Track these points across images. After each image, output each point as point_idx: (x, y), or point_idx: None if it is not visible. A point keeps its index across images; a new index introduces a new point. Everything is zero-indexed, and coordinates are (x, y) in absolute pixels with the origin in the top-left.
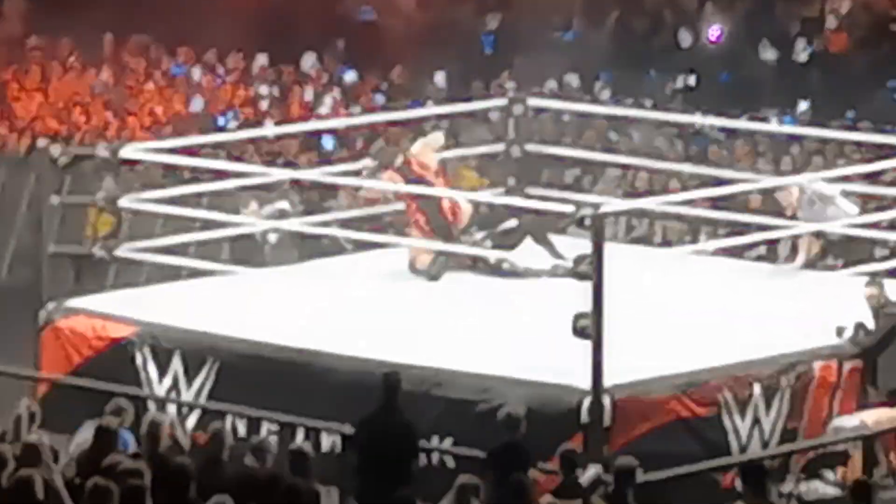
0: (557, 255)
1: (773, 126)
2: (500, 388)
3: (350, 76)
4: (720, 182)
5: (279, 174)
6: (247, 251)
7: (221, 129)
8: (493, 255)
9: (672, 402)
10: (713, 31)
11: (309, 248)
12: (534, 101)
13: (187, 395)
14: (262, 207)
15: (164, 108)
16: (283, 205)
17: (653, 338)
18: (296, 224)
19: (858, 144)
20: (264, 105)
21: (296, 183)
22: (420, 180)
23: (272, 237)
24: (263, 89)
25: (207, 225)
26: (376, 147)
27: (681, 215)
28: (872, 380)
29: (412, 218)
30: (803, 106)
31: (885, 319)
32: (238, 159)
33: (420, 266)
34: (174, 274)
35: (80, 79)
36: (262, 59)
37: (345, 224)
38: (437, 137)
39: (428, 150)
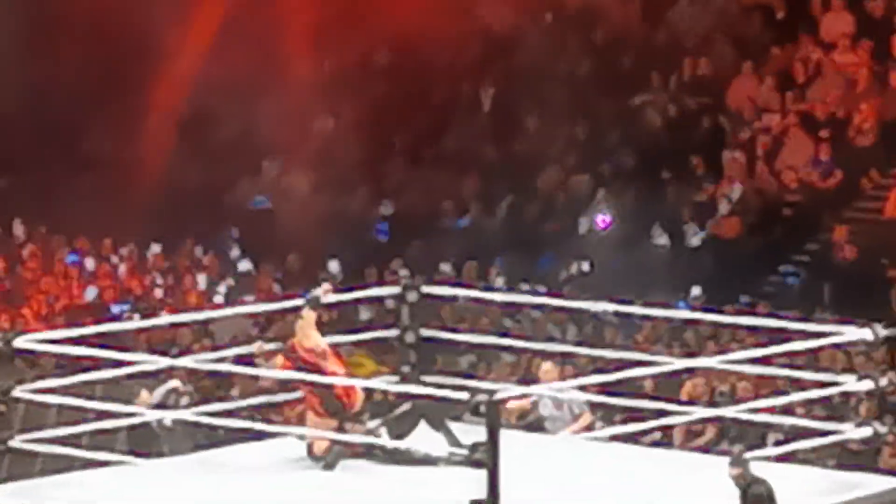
0: (454, 442)
1: (667, 311)
2: None
3: (244, 264)
4: (614, 367)
5: (173, 363)
6: (144, 439)
7: (116, 318)
8: (388, 442)
9: None
10: (601, 220)
11: (204, 435)
12: (428, 288)
13: None
14: (152, 392)
15: (59, 297)
16: (174, 383)
17: None
18: (189, 414)
19: (751, 329)
20: (158, 293)
21: (193, 372)
22: (308, 363)
23: (167, 421)
24: (157, 278)
25: (102, 415)
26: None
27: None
28: None
29: (307, 401)
30: (696, 291)
31: (751, 499)
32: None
33: (318, 452)
34: (68, 465)
35: None
36: (155, 248)
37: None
38: (309, 314)
39: (307, 329)
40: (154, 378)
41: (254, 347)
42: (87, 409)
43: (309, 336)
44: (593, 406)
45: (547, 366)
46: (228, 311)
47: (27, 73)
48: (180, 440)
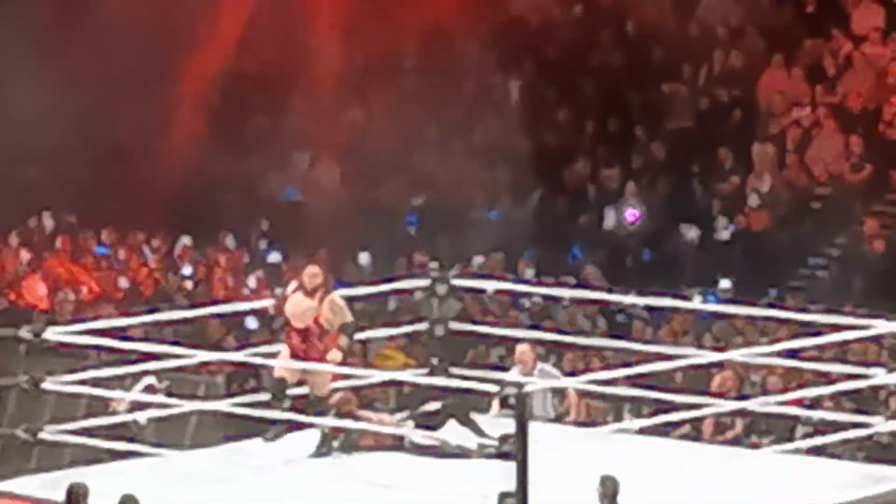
0: (482, 435)
1: (696, 304)
2: None
3: (274, 256)
4: (643, 360)
5: (203, 356)
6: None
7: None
8: (418, 434)
9: None
10: (630, 214)
11: (234, 427)
12: (457, 281)
13: None
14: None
15: (89, 288)
16: (150, 380)
17: None
18: (223, 405)
19: (781, 322)
20: (188, 286)
21: (223, 364)
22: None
23: (142, 419)
24: (187, 270)
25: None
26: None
27: (604, 394)
28: None
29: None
30: (725, 284)
31: None
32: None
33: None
34: (97, 456)
35: (4, 259)
36: (185, 240)
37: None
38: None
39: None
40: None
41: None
42: (116, 401)
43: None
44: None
45: (523, 347)
46: (258, 304)
47: (57, 65)
48: (208, 433)
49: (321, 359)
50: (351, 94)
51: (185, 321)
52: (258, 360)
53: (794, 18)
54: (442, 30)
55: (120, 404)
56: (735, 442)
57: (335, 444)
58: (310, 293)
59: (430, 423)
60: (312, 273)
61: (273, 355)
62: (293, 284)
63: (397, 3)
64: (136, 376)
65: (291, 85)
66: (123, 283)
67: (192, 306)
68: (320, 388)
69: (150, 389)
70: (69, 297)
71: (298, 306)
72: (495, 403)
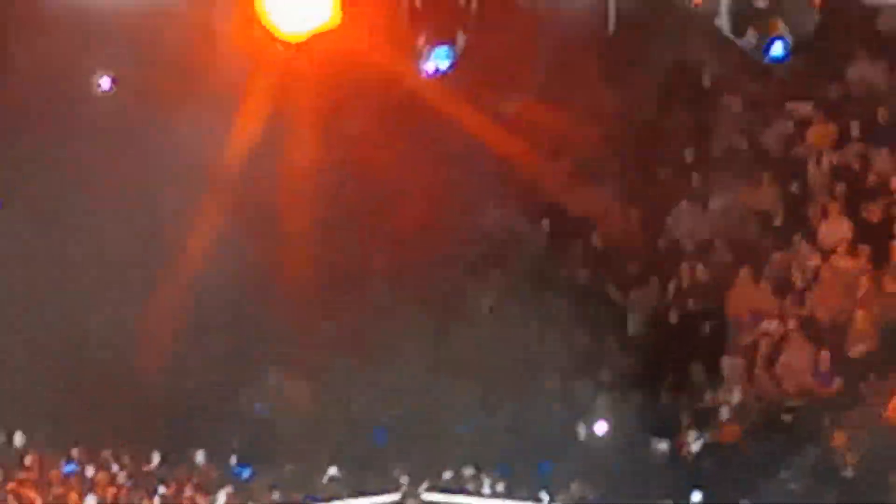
0: None
1: None
2: None
3: (244, 473)
4: None
5: None
6: None
7: None
8: None
9: None
10: (600, 426)
11: None
12: (427, 495)
13: None
14: None
15: None
16: None
17: None
18: None
19: None
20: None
21: None
22: None
23: None
24: (158, 488)
25: None
26: None
27: None
28: None
29: None
30: (696, 496)
31: None
32: None
33: None
34: None
35: None
36: (155, 458)
37: None
38: None
39: None
40: None
41: None
42: None
43: None
44: None
45: None
46: None
47: (22, 277)
48: None
49: None
50: (322, 309)
51: None
52: None
53: (762, 231)
54: (410, 240)
55: None
56: None
57: None
58: None
59: None
60: None
61: None
62: None
63: (364, 215)
64: None
65: (259, 300)
66: (92, 500)
67: None
68: None
69: None
70: None
71: None
72: None
